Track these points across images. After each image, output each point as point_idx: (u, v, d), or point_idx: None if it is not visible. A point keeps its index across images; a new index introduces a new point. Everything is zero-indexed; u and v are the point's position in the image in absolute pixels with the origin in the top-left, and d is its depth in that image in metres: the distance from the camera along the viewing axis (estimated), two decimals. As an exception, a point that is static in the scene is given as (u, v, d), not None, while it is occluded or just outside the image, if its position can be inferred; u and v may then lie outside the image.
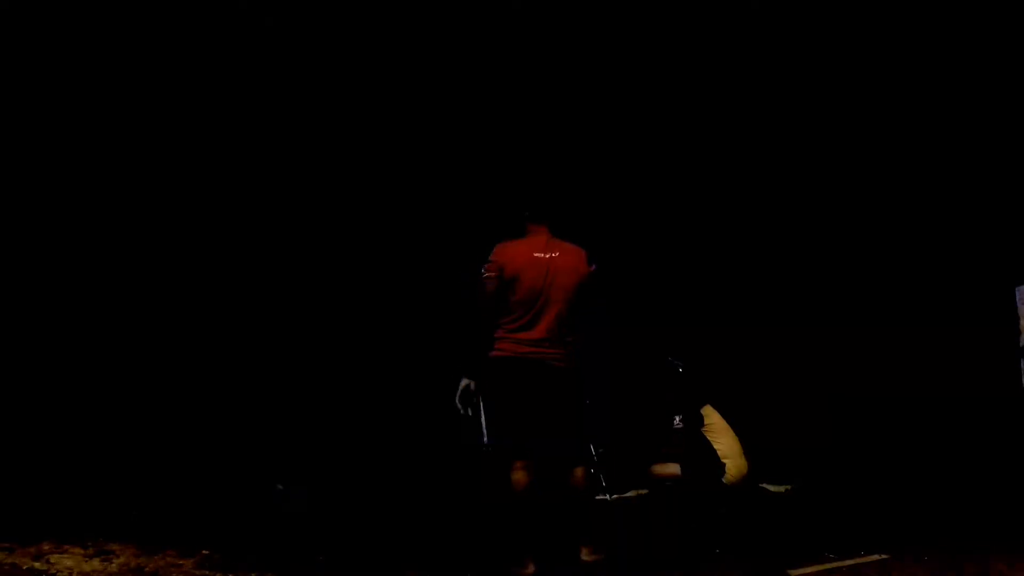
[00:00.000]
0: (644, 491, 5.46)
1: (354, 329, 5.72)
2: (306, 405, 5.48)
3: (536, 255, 3.62)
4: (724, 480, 4.97)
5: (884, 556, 4.13)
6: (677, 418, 5.14)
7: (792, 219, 6.16)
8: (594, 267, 3.74)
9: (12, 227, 5.40)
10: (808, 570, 3.99)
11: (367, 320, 5.74)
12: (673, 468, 5.13)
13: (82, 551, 3.75)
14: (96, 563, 3.63)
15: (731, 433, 5.09)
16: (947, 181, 5.95)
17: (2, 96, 5.26)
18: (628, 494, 5.58)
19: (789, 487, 5.43)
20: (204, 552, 3.85)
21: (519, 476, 3.48)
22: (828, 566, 4.04)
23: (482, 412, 3.66)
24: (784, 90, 5.88)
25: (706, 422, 5.07)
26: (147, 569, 3.61)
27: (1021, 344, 5.23)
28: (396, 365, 5.56)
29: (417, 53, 5.59)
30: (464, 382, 3.68)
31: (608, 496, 5.30)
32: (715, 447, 5.02)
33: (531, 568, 3.49)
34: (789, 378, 5.90)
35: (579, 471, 3.64)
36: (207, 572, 3.65)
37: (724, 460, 4.97)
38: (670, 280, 6.00)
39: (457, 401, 3.69)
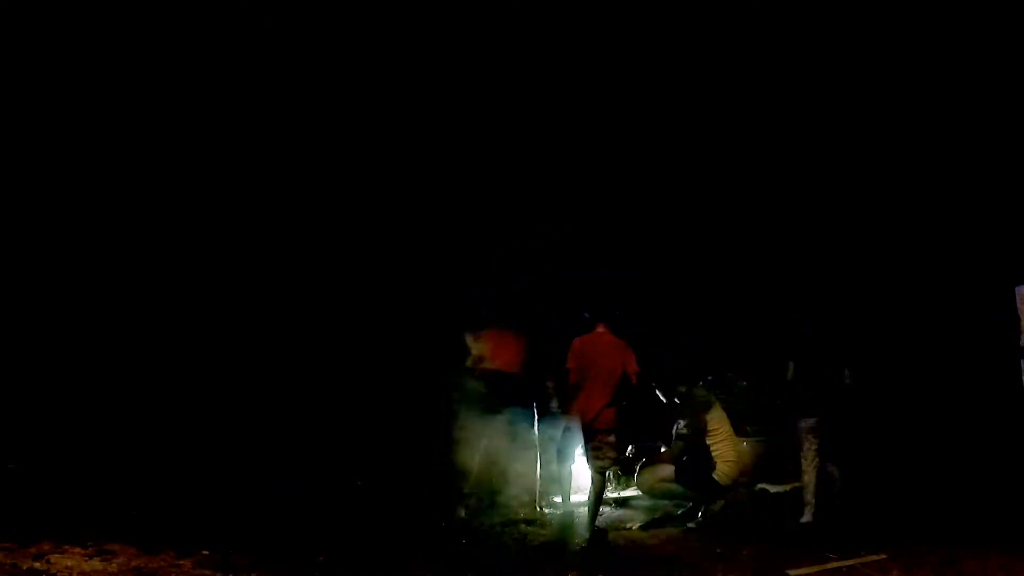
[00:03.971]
0: (644, 492, 5.47)
1: (354, 330, 5.72)
2: (306, 406, 5.48)
3: None
4: (715, 476, 5.02)
5: (884, 556, 4.13)
6: (681, 423, 5.15)
7: (792, 222, 6.17)
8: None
9: (14, 228, 5.42)
10: (808, 570, 3.99)
11: (366, 321, 5.74)
12: (668, 471, 5.17)
13: (82, 551, 3.74)
14: (96, 563, 3.63)
15: (733, 441, 5.15)
16: (948, 183, 5.97)
17: (2, 96, 5.27)
18: (630, 494, 5.61)
19: (789, 487, 5.44)
20: (204, 552, 3.85)
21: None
22: (828, 566, 4.04)
23: None
24: (784, 97, 5.92)
25: (710, 428, 5.09)
26: (147, 569, 3.61)
27: (1021, 344, 5.23)
28: (395, 368, 5.56)
29: (420, 54, 5.60)
30: None
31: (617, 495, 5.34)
32: (712, 451, 5.06)
33: None
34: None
35: None
36: (207, 572, 3.65)
37: (718, 460, 5.03)
38: (671, 282, 6.01)
39: None
